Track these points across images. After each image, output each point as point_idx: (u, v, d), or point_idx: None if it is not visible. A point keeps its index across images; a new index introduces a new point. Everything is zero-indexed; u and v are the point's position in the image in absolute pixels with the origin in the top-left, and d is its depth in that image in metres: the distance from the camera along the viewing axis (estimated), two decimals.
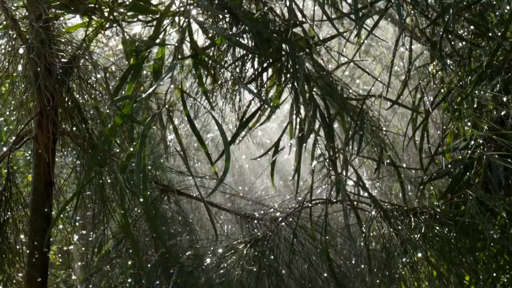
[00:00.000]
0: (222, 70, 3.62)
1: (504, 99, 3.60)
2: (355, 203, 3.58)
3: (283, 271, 3.75)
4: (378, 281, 3.55)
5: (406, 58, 3.65)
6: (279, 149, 3.49)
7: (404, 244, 3.34)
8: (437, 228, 3.36)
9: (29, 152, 4.47)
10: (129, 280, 4.21)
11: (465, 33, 3.73)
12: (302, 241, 3.72)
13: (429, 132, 3.77)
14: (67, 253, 4.68)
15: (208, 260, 3.84)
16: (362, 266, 3.76)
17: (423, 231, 3.36)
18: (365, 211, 3.60)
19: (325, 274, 3.72)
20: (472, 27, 3.75)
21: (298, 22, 3.37)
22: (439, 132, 4.02)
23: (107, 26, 3.66)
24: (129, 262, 4.37)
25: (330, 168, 3.31)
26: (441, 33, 3.27)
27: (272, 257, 3.71)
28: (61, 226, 4.50)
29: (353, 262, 3.79)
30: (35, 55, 3.35)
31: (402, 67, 3.81)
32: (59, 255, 4.72)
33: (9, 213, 3.91)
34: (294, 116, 3.33)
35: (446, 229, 3.39)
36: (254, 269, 3.63)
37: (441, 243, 3.34)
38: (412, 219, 3.42)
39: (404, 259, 3.37)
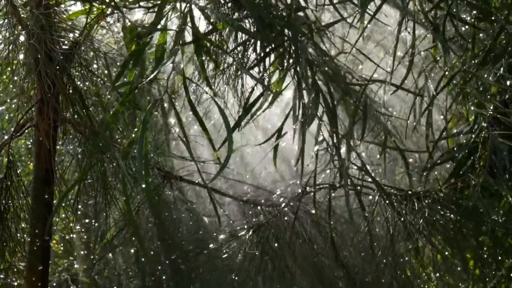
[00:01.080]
0: (224, 56, 3.59)
1: (508, 82, 3.58)
2: (358, 187, 3.56)
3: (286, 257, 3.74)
4: (382, 265, 3.54)
5: (409, 43, 3.62)
6: (282, 134, 3.46)
7: (407, 228, 3.33)
8: (441, 212, 3.34)
9: (31, 140, 4.44)
10: (132, 267, 4.20)
11: (468, 18, 3.71)
12: (305, 226, 3.71)
13: (433, 117, 3.75)
14: (69, 242, 4.66)
15: (211, 246, 3.83)
16: (365, 251, 3.75)
17: (426, 215, 3.35)
18: (369, 195, 3.58)
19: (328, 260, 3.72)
20: (474, 11, 3.72)
21: (300, 7, 3.35)
22: (442, 117, 4.00)
23: (108, 12, 3.64)
24: (132, 250, 4.36)
25: (334, 153, 3.29)
26: (444, 15, 3.25)
27: (276, 244, 3.70)
28: (63, 215, 4.49)
29: (357, 246, 3.78)
30: (35, 41, 3.33)
31: (405, 52, 3.78)
32: (61, 244, 4.70)
33: (10, 201, 3.89)
34: (297, 102, 3.30)
35: (449, 213, 3.38)
36: (257, 253, 3.61)
37: (445, 226, 3.33)
38: (416, 203, 3.41)
39: (407, 243, 3.36)
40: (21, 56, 3.65)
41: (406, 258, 3.74)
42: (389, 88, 3.71)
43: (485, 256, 3.73)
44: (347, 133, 3.32)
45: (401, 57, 3.88)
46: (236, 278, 3.74)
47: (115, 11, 3.57)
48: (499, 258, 3.75)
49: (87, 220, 4.59)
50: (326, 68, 3.29)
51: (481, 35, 3.75)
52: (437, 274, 3.88)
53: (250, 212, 4.08)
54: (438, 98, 3.81)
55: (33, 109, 3.73)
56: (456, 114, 3.85)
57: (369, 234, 3.47)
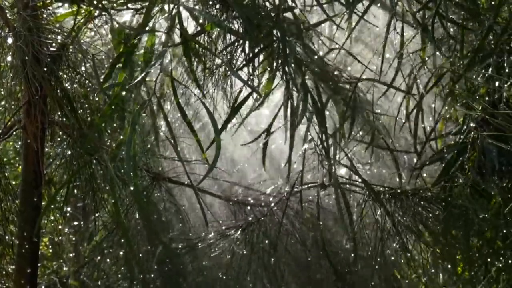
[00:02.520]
0: (213, 57, 3.59)
1: (497, 83, 3.58)
2: (347, 186, 3.57)
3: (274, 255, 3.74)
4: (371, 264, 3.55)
5: (398, 43, 3.63)
6: (270, 133, 3.46)
7: (396, 226, 3.33)
8: (429, 210, 3.35)
9: (19, 143, 4.42)
10: (122, 269, 4.18)
11: (456, 18, 3.71)
12: (295, 224, 3.71)
13: (423, 117, 3.75)
14: (58, 244, 4.64)
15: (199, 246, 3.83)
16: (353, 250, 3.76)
17: (415, 212, 3.35)
18: (358, 193, 3.59)
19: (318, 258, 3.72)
20: (463, 12, 3.73)
21: (288, 7, 3.35)
22: (430, 119, 4.00)
23: (96, 14, 3.63)
24: (121, 253, 4.34)
25: (322, 153, 3.29)
26: (433, 16, 3.25)
27: (266, 241, 3.70)
28: (52, 217, 4.47)
29: (346, 244, 3.78)
30: (22, 43, 3.32)
31: (394, 53, 3.79)
32: (50, 247, 4.69)
33: None
34: (286, 102, 3.30)
35: (438, 212, 3.38)
36: (245, 252, 3.61)
37: (434, 224, 3.34)
38: (405, 201, 3.42)
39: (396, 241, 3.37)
40: (9, 59, 3.63)
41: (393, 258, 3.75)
42: (378, 89, 3.71)
43: (474, 257, 3.73)
44: (335, 132, 3.31)
45: (390, 58, 3.88)
46: (224, 277, 3.73)
47: (103, 13, 3.55)
48: (488, 259, 3.76)
49: (76, 223, 4.57)
50: (315, 68, 3.28)
51: (469, 36, 3.76)
52: (426, 276, 3.89)
53: (239, 212, 4.08)
54: (427, 99, 3.81)
55: (20, 111, 3.70)
56: (444, 115, 3.85)
57: (353, 234, 3.47)
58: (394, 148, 3.86)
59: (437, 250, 3.72)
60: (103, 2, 3.42)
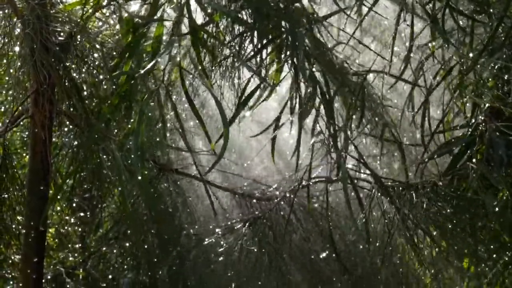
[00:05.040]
0: (221, 48, 3.57)
1: (506, 77, 3.57)
2: (355, 180, 3.55)
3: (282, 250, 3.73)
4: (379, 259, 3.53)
5: (407, 36, 3.61)
6: (279, 126, 3.45)
7: (405, 220, 3.32)
8: (438, 204, 3.33)
9: (26, 133, 4.42)
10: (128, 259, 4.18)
11: (466, 10, 3.69)
12: (302, 219, 3.69)
13: (430, 110, 3.74)
14: (64, 235, 4.64)
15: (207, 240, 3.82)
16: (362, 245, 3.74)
17: (424, 206, 3.34)
18: (366, 189, 3.57)
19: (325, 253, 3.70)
20: (472, 6, 3.71)
21: None
22: (439, 112, 3.99)
23: (104, 3, 3.62)
24: (127, 244, 4.33)
25: (331, 146, 3.27)
26: (443, 8, 3.23)
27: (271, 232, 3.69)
28: (58, 208, 4.47)
29: (354, 238, 3.77)
30: (31, 31, 3.31)
31: (403, 45, 3.77)
32: (56, 238, 4.68)
33: (5, 194, 3.87)
34: (294, 93, 3.29)
35: (446, 205, 3.37)
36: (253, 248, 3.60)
37: (442, 217, 3.32)
38: (414, 195, 3.40)
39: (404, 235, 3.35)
40: (17, 49, 3.63)
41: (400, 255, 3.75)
42: (387, 81, 3.70)
43: (481, 250, 3.72)
44: (344, 125, 3.30)
45: (399, 52, 3.87)
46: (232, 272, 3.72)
47: (112, 2, 3.55)
48: (495, 253, 3.74)
49: (82, 214, 4.56)
50: (324, 60, 3.27)
51: (479, 28, 3.73)
52: (433, 269, 3.88)
53: (246, 205, 4.06)
54: (436, 91, 3.79)
55: (28, 100, 3.70)
56: (453, 108, 3.83)
57: (366, 228, 3.45)
58: (402, 141, 3.84)
59: (444, 244, 3.70)
60: None
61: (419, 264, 3.89)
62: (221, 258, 3.79)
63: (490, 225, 3.63)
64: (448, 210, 3.40)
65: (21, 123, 3.95)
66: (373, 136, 3.76)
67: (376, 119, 3.68)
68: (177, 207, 4.21)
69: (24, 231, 3.75)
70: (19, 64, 3.58)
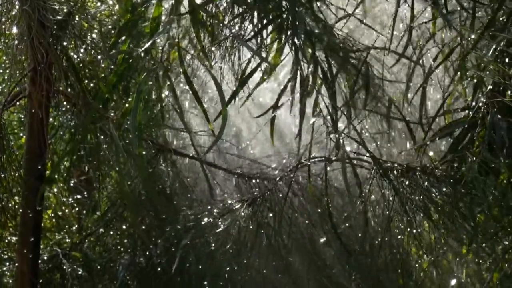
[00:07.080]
0: (220, 28, 3.54)
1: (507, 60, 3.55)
2: (355, 161, 3.53)
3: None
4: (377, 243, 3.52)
5: (408, 16, 3.59)
6: (278, 107, 3.42)
7: (404, 204, 3.30)
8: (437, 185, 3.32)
9: (23, 113, 4.39)
10: (125, 241, 4.16)
11: None
12: (301, 199, 3.68)
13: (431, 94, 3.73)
14: (61, 217, 4.62)
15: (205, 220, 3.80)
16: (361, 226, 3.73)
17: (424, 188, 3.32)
18: (366, 168, 3.55)
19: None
20: None
21: None
22: (439, 96, 3.97)
23: None
24: (123, 226, 4.32)
25: (331, 126, 3.25)
26: None
27: (271, 214, 3.68)
28: (55, 189, 4.45)
29: (353, 219, 3.76)
30: (28, 8, 3.28)
31: (404, 26, 3.75)
32: (53, 219, 4.66)
33: (2, 173, 3.84)
34: (294, 73, 3.25)
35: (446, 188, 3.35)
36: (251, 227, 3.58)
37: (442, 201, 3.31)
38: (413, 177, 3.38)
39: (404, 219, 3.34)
40: (15, 29, 3.60)
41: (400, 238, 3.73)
42: (388, 61, 3.68)
43: (480, 235, 3.70)
44: (345, 104, 3.27)
45: (399, 34, 3.84)
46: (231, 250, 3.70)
47: None
48: (495, 237, 3.72)
49: (79, 196, 4.54)
50: (325, 38, 3.23)
51: (480, 13, 3.71)
52: (432, 254, 3.87)
53: (245, 186, 4.04)
54: (436, 74, 3.78)
55: (25, 79, 3.67)
56: (453, 91, 3.81)
57: (364, 206, 3.44)
58: (405, 119, 3.81)
59: (443, 228, 3.69)
60: None
61: (417, 249, 3.88)
62: (219, 238, 3.77)
63: (489, 211, 3.62)
64: (447, 191, 3.38)
65: (18, 103, 3.92)
66: (378, 113, 3.74)
67: (379, 96, 3.66)
68: (175, 188, 4.19)
69: (20, 210, 3.73)
70: (16, 42, 3.55)
